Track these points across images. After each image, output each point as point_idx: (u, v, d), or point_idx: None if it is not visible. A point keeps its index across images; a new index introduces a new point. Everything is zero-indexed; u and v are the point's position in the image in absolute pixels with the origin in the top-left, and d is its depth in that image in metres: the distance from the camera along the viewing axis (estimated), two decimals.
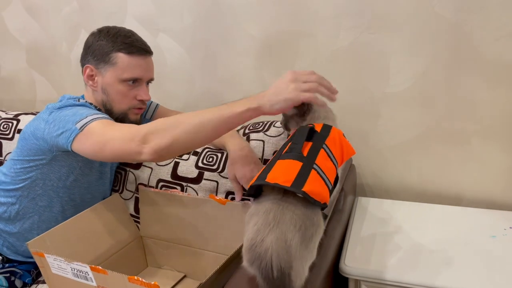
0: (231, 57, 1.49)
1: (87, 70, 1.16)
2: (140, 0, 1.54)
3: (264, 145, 1.13)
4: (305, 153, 0.83)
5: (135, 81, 1.14)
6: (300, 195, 0.76)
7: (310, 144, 0.85)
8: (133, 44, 1.13)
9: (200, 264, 1.16)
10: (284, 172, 0.78)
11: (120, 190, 1.27)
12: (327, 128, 0.91)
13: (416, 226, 1.18)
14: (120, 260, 1.17)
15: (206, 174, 1.16)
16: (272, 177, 0.77)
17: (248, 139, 1.16)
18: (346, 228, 1.21)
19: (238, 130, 1.22)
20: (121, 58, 1.12)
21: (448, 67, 1.26)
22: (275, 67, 1.44)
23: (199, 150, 1.20)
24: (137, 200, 1.24)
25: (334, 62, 1.37)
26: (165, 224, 1.19)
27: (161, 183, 1.21)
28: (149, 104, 1.33)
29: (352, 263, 1.04)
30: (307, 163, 0.81)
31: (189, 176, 1.18)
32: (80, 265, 0.87)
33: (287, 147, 0.85)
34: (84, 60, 1.18)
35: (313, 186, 0.77)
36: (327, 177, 0.82)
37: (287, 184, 0.75)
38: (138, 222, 1.23)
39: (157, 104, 1.35)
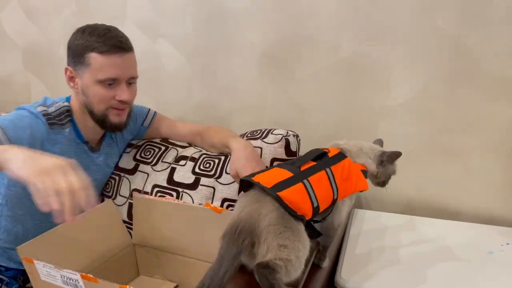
0: (231, 65, 1.48)
1: (67, 72, 1.13)
2: (140, 5, 1.53)
3: (262, 152, 1.12)
4: (302, 169, 0.86)
5: (113, 81, 1.08)
6: (272, 196, 0.79)
7: (313, 163, 0.89)
8: (106, 43, 1.06)
9: (193, 273, 1.12)
10: (271, 176, 0.83)
11: (113, 196, 1.25)
12: (339, 156, 0.93)
13: (413, 240, 1.17)
14: (111, 268, 1.14)
15: (203, 180, 1.14)
16: (259, 178, 0.83)
17: None
18: (342, 241, 1.20)
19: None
20: (94, 58, 1.06)
21: (449, 81, 1.26)
22: (275, 76, 1.44)
23: (196, 156, 1.19)
24: (130, 206, 1.21)
25: (335, 73, 1.36)
26: (159, 232, 1.16)
27: (156, 189, 1.19)
28: (146, 111, 1.31)
29: (348, 276, 1.03)
30: (298, 176, 0.84)
31: (186, 182, 1.16)
32: (70, 272, 0.84)
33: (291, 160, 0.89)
34: (67, 62, 1.14)
35: (292, 195, 0.81)
36: (315, 195, 0.84)
37: (268, 185, 0.80)
38: (131, 229, 1.21)
39: (155, 112, 1.33)
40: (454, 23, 1.21)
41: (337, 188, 0.89)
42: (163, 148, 1.24)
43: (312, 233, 0.91)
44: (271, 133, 1.14)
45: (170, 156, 1.21)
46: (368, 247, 1.14)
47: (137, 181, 1.22)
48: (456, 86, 1.26)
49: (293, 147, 1.13)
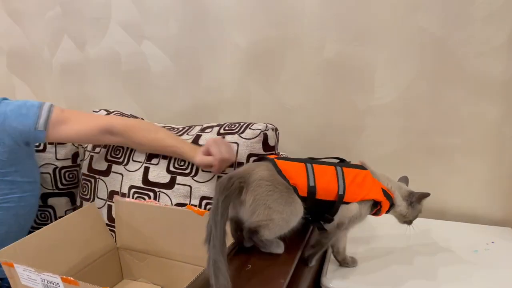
0: (216, 66, 1.47)
1: None
2: (125, 6, 1.52)
3: (238, 147, 1.10)
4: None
5: None
6: (269, 160, 0.90)
7: (326, 161, 0.95)
8: None
9: (177, 276, 1.12)
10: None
11: (91, 199, 1.24)
12: (358, 166, 0.97)
13: (399, 240, 1.17)
14: (94, 272, 1.13)
15: (179, 179, 1.13)
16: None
17: None
18: None
19: (212, 128, 1.19)
20: None
21: (432, 81, 1.26)
22: (260, 77, 1.43)
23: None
24: (109, 208, 1.20)
25: (319, 74, 1.36)
26: (142, 235, 1.15)
27: (133, 190, 1.18)
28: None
29: (334, 276, 1.02)
30: (304, 160, 0.93)
31: (161, 182, 1.15)
32: (50, 275, 0.83)
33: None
34: None
35: (288, 166, 0.89)
36: (314, 177, 0.89)
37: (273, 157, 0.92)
38: (113, 232, 1.20)
39: (51, 105, 1.16)
40: (436, 23, 1.22)
41: (344, 186, 0.91)
42: None
43: (318, 229, 0.97)
44: (249, 128, 1.12)
45: (140, 153, 1.19)
46: (354, 247, 1.14)
47: (113, 182, 1.21)
48: (439, 86, 1.26)
49: (271, 142, 1.12)
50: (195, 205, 1.11)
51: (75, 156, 1.38)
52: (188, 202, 1.12)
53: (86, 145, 1.34)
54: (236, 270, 0.84)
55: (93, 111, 1.36)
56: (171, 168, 1.14)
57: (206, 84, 1.50)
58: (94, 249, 1.14)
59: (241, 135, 1.11)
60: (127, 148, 1.21)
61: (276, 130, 1.13)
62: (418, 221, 1.25)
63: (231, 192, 0.84)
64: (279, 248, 0.93)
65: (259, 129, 1.10)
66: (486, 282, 0.99)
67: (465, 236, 1.19)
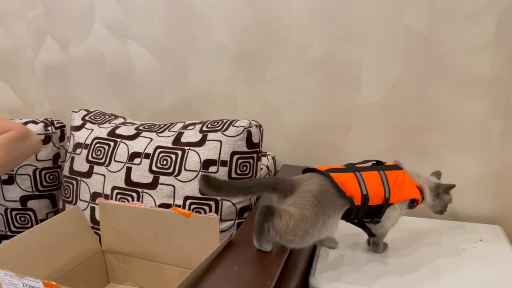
0: (202, 66, 1.46)
1: None
2: (108, 6, 1.50)
3: (221, 145, 1.09)
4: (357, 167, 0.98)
5: None
6: (324, 174, 0.91)
7: (368, 166, 1.00)
8: None
9: (164, 279, 1.11)
10: (325, 167, 0.95)
11: (74, 201, 1.21)
12: (395, 167, 1.01)
13: (386, 238, 1.17)
14: (79, 276, 1.11)
15: (162, 179, 1.11)
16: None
17: (205, 139, 1.11)
18: None
19: (195, 125, 1.17)
20: None
21: (418, 78, 1.26)
22: (247, 77, 1.42)
23: (149, 151, 1.15)
24: (93, 210, 1.18)
25: (306, 73, 1.36)
26: (128, 238, 1.13)
27: (116, 191, 1.16)
28: None
29: (322, 276, 1.01)
30: (351, 169, 0.96)
31: (144, 182, 1.13)
32: (32, 280, 0.81)
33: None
34: None
35: (342, 177, 0.92)
36: (365, 185, 0.93)
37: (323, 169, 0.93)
38: (98, 234, 1.18)
39: None
40: (421, 21, 1.22)
41: (389, 189, 0.96)
42: (112, 144, 1.19)
43: (364, 229, 1.05)
44: (233, 125, 1.10)
45: (122, 153, 1.17)
46: (342, 247, 1.13)
47: (95, 184, 1.18)
48: (425, 84, 1.26)
49: (255, 139, 1.10)
50: (179, 205, 1.10)
51: (56, 157, 1.35)
52: (172, 202, 1.11)
53: (67, 146, 1.32)
54: (221, 271, 0.82)
55: (73, 111, 1.34)
56: (154, 168, 1.13)
57: (192, 83, 1.49)
58: (79, 253, 1.12)
59: (224, 132, 1.09)
60: (109, 148, 1.19)
61: (260, 127, 1.12)
62: (406, 220, 1.26)
63: (276, 193, 0.89)
64: (334, 243, 0.99)
65: (243, 126, 1.09)
66: (474, 280, 0.99)
67: (453, 234, 1.19)
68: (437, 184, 1.07)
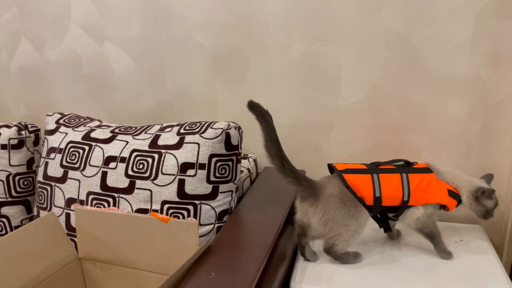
0: (180, 67, 1.44)
1: None
2: (84, 6, 1.47)
3: (199, 148, 1.06)
4: (380, 168, 1.03)
5: None
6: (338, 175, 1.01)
7: (392, 167, 1.04)
8: None
9: (143, 286, 1.08)
10: (348, 165, 1.03)
11: (48, 207, 1.18)
12: (423, 170, 1.04)
13: (369, 241, 1.16)
14: (55, 284, 1.08)
15: (138, 183, 1.09)
16: (340, 165, 1.04)
17: (182, 141, 1.09)
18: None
19: (172, 127, 1.15)
20: None
21: (398, 79, 1.26)
22: (226, 78, 1.40)
23: (125, 155, 1.12)
24: (68, 217, 1.15)
25: (286, 74, 1.34)
26: (105, 244, 1.10)
27: (91, 196, 1.13)
28: None
29: (303, 280, 1.00)
30: (370, 170, 1.01)
31: (120, 186, 1.10)
32: None
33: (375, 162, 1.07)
34: None
35: (355, 179, 0.99)
36: (380, 188, 0.99)
37: (339, 168, 1.02)
38: (74, 241, 1.15)
39: None
40: (399, 22, 1.22)
41: (409, 193, 1.00)
42: (86, 148, 1.16)
43: (383, 225, 1.10)
44: (211, 127, 1.08)
45: (97, 157, 1.15)
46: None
47: (70, 189, 1.15)
48: (405, 85, 1.26)
49: (234, 141, 1.09)
50: (157, 210, 1.07)
51: (30, 162, 1.32)
52: (149, 207, 1.08)
53: (41, 151, 1.28)
54: (198, 278, 0.81)
55: (47, 115, 1.30)
56: (130, 172, 1.10)
57: (171, 85, 1.47)
58: (55, 260, 1.09)
59: (202, 135, 1.07)
60: (83, 152, 1.16)
61: (239, 128, 1.10)
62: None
63: (300, 192, 1.02)
64: (359, 259, 1.05)
65: (221, 128, 1.07)
66: (455, 280, 0.99)
67: None
68: (477, 188, 1.05)
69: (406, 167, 1.04)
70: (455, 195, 1.03)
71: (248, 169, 1.27)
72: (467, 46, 1.19)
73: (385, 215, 1.08)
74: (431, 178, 1.02)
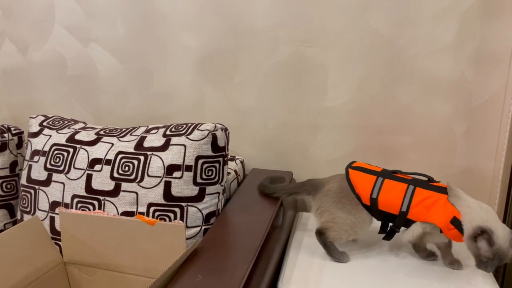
0: (168, 69, 1.43)
1: None
2: (69, 7, 1.45)
3: (185, 150, 1.06)
4: (396, 174, 1.04)
5: None
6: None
7: (408, 177, 1.03)
8: None
9: None
10: (365, 164, 1.08)
11: (32, 211, 1.16)
12: (437, 188, 0.99)
13: (356, 242, 1.17)
14: None
15: (124, 185, 1.08)
16: (359, 163, 1.09)
17: (168, 143, 1.08)
18: (286, 245, 1.17)
19: (158, 129, 1.14)
20: None
21: (384, 81, 1.27)
22: (213, 80, 1.40)
23: (110, 157, 1.11)
24: (52, 220, 1.14)
25: (273, 76, 1.34)
26: (90, 248, 1.09)
27: (76, 199, 1.11)
28: None
29: (290, 282, 1.00)
30: (381, 173, 1.03)
31: (106, 189, 1.09)
32: None
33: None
34: None
35: (358, 177, 1.04)
36: (379, 191, 1.01)
37: (354, 165, 1.07)
38: (59, 245, 1.13)
39: None
40: (385, 23, 1.23)
41: (409, 205, 0.98)
42: (71, 150, 1.15)
43: (383, 231, 1.06)
44: (197, 129, 1.07)
45: (82, 160, 1.13)
46: (312, 252, 1.12)
47: (54, 192, 1.14)
48: (391, 86, 1.27)
49: (221, 142, 1.08)
50: (143, 213, 1.06)
51: (13, 165, 1.29)
52: (135, 210, 1.07)
53: (24, 154, 1.26)
54: (185, 281, 0.80)
55: (30, 117, 1.28)
56: (115, 174, 1.09)
57: (157, 87, 1.46)
58: (39, 265, 1.07)
59: (188, 136, 1.06)
60: (68, 155, 1.14)
61: (226, 130, 1.10)
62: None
63: (299, 191, 1.12)
64: (343, 258, 1.06)
65: (208, 130, 1.06)
66: (441, 279, 0.99)
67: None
68: (479, 226, 0.92)
69: (421, 181, 1.01)
70: (458, 224, 0.94)
71: (235, 171, 1.27)
72: (451, 48, 1.20)
73: (385, 223, 1.06)
74: (440, 198, 0.97)
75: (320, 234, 1.06)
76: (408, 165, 1.31)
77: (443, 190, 0.99)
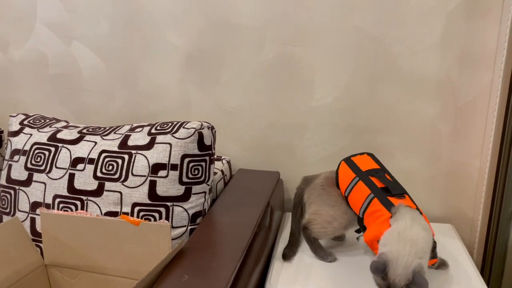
0: (152, 68, 1.41)
1: None
2: (51, 4, 1.42)
3: (171, 148, 1.03)
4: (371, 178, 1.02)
5: None
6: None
7: (381, 185, 0.99)
8: None
9: None
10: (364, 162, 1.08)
11: (12, 212, 1.13)
12: (389, 205, 0.94)
13: (342, 242, 1.16)
14: None
15: (108, 185, 1.05)
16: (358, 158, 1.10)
17: (153, 142, 1.06)
18: (273, 245, 1.16)
19: (143, 127, 1.12)
20: None
21: (370, 80, 1.27)
22: (200, 79, 1.38)
23: (94, 156, 1.09)
24: (33, 221, 1.11)
25: (260, 75, 1.33)
26: (72, 250, 1.06)
27: (58, 199, 1.08)
28: None
29: (278, 282, 0.99)
30: (360, 173, 1.02)
31: (88, 189, 1.06)
32: None
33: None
34: None
35: (344, 172, 1.05)
36: (351, 189, 1.02)
37: (352, 158, 1.08)
38: (40, 247, 1.10)
39: None
40: (372, 23, 1.23)
41: (364, 212, 0.98)
42: (52, 149, 1.12)
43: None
44: (183, 127, 1.05)
45: (64, 159, 1.10)
46: (299, 252, 1.12)
47: (35, 192, 1.11)
48: (377, 85, 1.27)
49: (207, 141, 1.06)
50: (127, 213, 1.04)
51: None
52: (119, 210, 1.05)
53: (4, 153, 1.22)
54: (171, 281, 0.78)
55: (10, 116, 1.25)
56: (99, 174, 1.06)
57: (142, 86, 1.43)
58: (19, 268, 1.04)
59: (174, 135, 1.05)
60: (49, 154, 1.11)
61: (212, 128, 1.08)
62: None
63: (300, 190, 1.13)
64: (327, 257, 1.06)
65: (194, 128, 1.04)
66: (428, 279, 0.99)
67: None
68: (380, 253, 0.87)
69: (382, 192, 0.96)
70: None
71: (221, 170, 1.25)
72: (437, 47, 1.21)
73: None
74: (385, 215, 0.92)
75: (304, 228, 1.06)
76: (394, 165, 1.31)
77: (392, 208, 0.92)
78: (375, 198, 0.96)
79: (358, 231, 1.06)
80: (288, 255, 1.09)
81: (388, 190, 0.97)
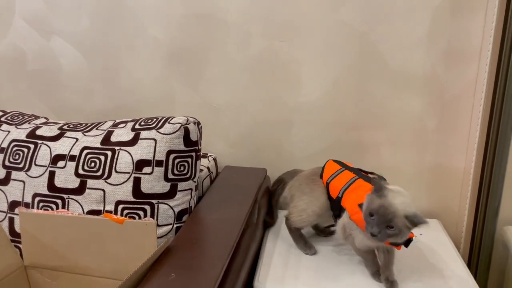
0: (136, 64, 1.38)
1: None
2: None
3: (156, 144, 1.01)
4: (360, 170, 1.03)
5: None
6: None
7: (365, 174, 1.01)
8: None
9: None
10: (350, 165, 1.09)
11: None
12: (373, 181, 0.94)
13: (330, 238, 1.15)
14: None
15: (90, 182, 1.02)
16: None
17: (137, 137, 1.03)
18: (261, 243, 1.15)
19: (127, 123, 1.09)
20: None
21: (357, 76, 1.27)
22: (184, 76, 1.36)
23: (75, 153, 1.05)
24: (11, 221, 1.07)
25: (246, 70, 1.32)
26: (53, 250, 1.03)
27: (38, 198, 1.05)
28: None
29: (266, 279, 0.97)
30: (347, 168, 1.04)
31: (70, 187, 1.03)
32: None
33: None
34: None
35: (330, 166, 1.07)
36: (333, 178, 1.03)
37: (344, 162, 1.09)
38: (19, 248, 1.06)
39: None
40: (359, 18, 1.22)
41: (344, 191, 0.98)
42: (32, 147, 1.09)
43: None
44: (168, 122, 1.03)
45: (43, 156, 1.07)
46: (287, 249, 1.11)
47: (14, 191, 1.07)
48: (364, 81, 1.27)
49: (193, 136, 1.03)
50: (111, 211, 1.01)
51: None
52: (102, 208, 1.02)
53: None
54: (157, 280, 0.76)
55: None
56: (80, 171, 1.03)
57: (125, 82, 1.40)
58: None
59: (159, 130, 1.02)
60: (28, 151, 1.08)
61: (198, 123, 1.06)
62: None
63: (282, 182, 1.21)
64: (306, 249, 1.08)
65: (179, 123, 1.02)
66: (416, 274, 0.99)
67: None
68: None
69: (368, 177, 0.98)
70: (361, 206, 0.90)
71: (208, 168, 1.23)
72: (423, 43, 1.21)
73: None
74: (367, 186, 0.93)
75: (286, 220, 1.11)
76: (381, 161, 1.31)
77: (375, 182, 0.91)
78: (359, 178, 0.98)
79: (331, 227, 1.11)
80: (269, 222, 1.23)
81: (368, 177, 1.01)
